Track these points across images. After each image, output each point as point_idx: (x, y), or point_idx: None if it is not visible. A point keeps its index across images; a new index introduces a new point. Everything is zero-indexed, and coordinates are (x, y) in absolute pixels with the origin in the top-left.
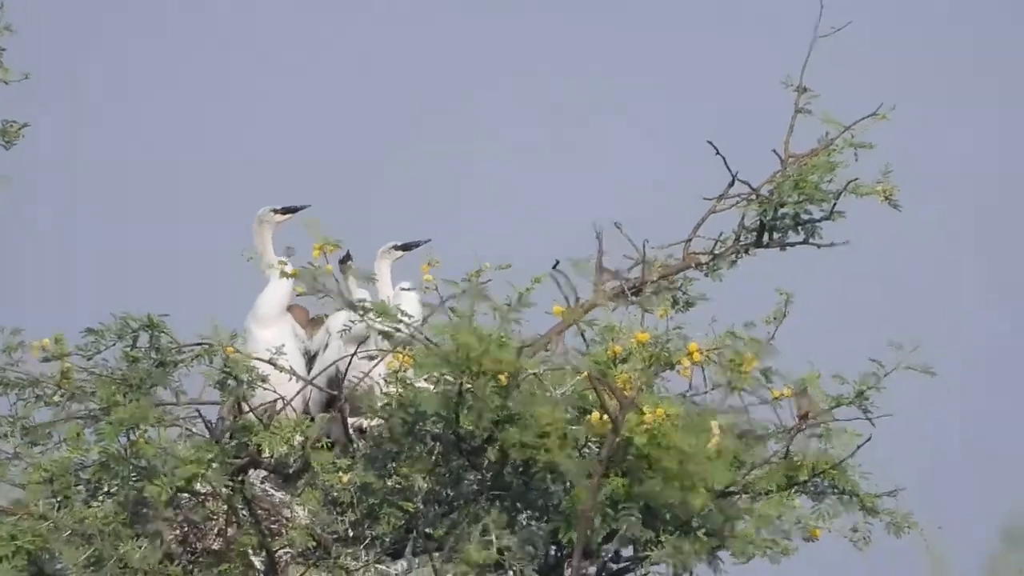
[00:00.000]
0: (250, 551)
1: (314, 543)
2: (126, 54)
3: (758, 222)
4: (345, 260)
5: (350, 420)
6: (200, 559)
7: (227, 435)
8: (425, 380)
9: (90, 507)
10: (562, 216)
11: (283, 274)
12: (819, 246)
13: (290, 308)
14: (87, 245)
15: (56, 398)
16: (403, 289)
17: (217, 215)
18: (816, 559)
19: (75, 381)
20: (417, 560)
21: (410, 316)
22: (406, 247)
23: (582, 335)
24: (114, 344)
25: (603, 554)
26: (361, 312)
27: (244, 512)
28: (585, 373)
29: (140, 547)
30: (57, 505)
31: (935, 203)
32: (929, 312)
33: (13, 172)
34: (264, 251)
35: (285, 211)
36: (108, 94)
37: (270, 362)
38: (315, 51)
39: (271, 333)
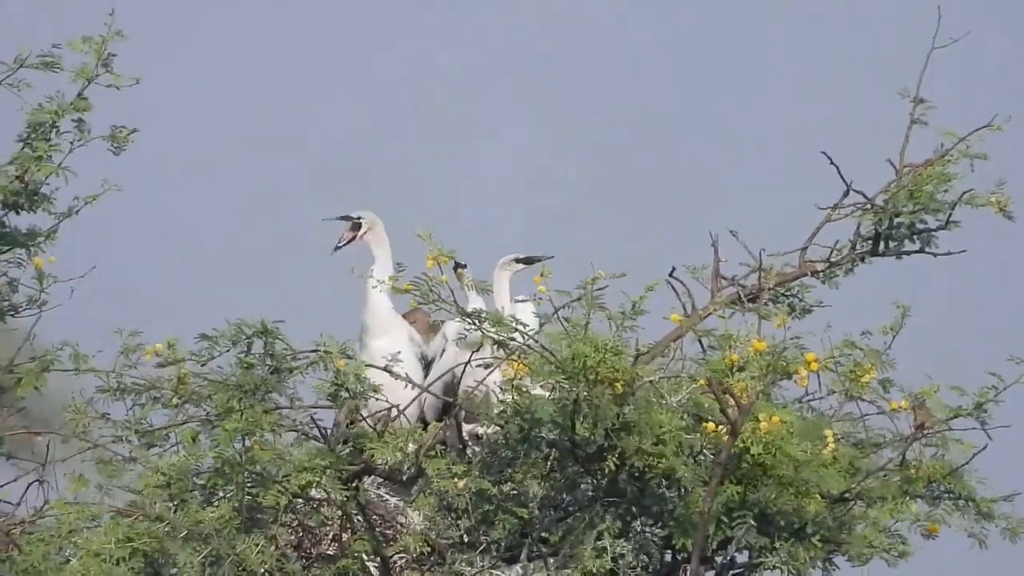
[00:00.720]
0: (364, 556)
1: (429, 549)
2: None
3: (874, 231)
4: (458, 267)
5: (466, 426)
6: (315, 564)
7: (343, 442)
8: (541, 387)
9: (205, 510)
10: (679, 223)
11: (395, 290)
12: (935, 255)
13: (412, 313)
14: (191, 250)
15: (174, 401)
16: (518, 301)
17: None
18: (930, 565)
19: (191, 385)
20: (532, 565)
21: (525, 325)
22: (528, 260)
23: (699, 342)
24: (228, 350)
25: (718, 561)
26: (476, 321)
27: (359, 518)
28: (702, 381)
29: (257, 546)
30: (173, 508)
31: None
32: None
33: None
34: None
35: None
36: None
37: (386, 369)
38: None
39: (384, 342)
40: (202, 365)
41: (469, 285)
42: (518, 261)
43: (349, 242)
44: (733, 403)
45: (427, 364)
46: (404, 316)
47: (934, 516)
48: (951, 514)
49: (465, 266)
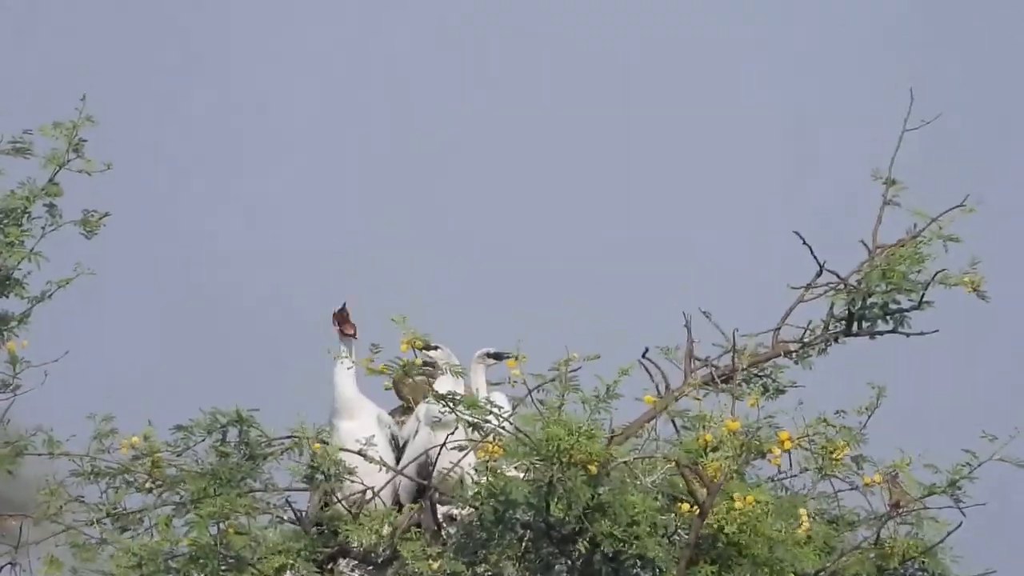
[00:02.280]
0: None
1: None
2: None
3: (847, 311)
4: (429, 349)
5: (440, 508)
6: None
7: (316, 524)
8: (515, 468)
9: None
10: (649, 306)
11: (370, 371)
12: (908, 335)
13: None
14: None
15: (148, 486)
16: (491, 384)
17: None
18: None
19: (165, 470)
20: None
21: (500, 408)
22: (497, 356)
23: (673, 423)
24: (203, 439)
25: None
26: (450, 404)
27: None
28: (674, 462)
29: None
30: None
31: None
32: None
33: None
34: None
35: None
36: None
37: (360, 453)
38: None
39: (356, 424)
40: (178, 455)
41: (443, 368)
42: (489, 356)
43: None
44: (702, 484)
45: (400, 446)
46: (401, 380)
47: None
48: None
49: (437, 348)
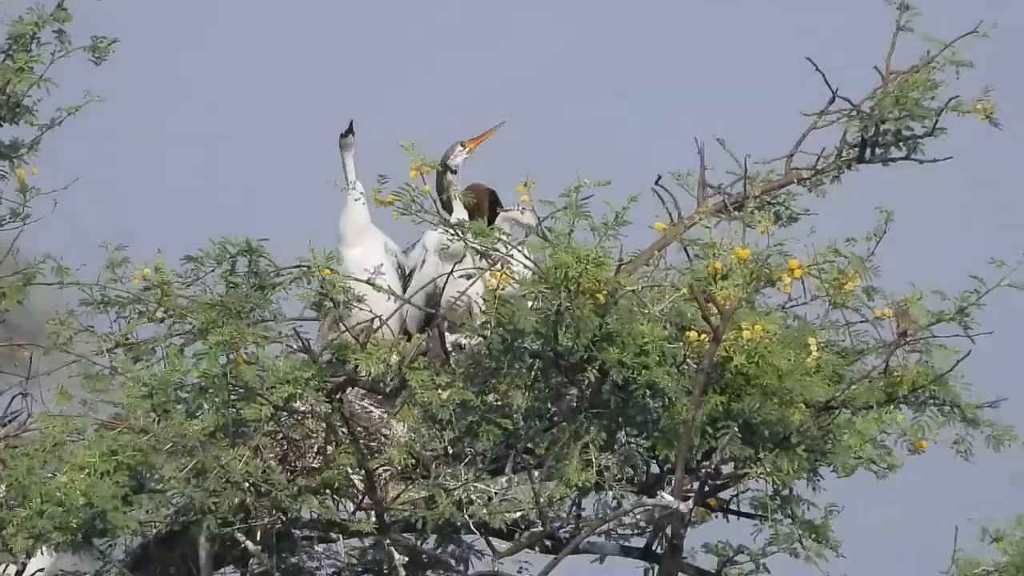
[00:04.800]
0: (349, 469)
1: (413, 461)
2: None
3: (860, 138)
4: (447, 171)
5: (448, 337)
6: (300, 476)
7: (325, 354)
8: (524, 296)
9: (190, 422)
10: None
11: (378, 201)
12: (921, 162)
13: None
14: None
15: (159, 314)
16: (502, 211)
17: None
18: (915, 476)
19: (175, 298)
20: (517, 478)
21: (509, 235)
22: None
23: (684, 251)
24: (213, 270)
25: (702, 471)
26: (459, 232)
27: (343, 430)
28: (684, 289)
29: (242, 457)
30: (157, 419)
31: None
32: None
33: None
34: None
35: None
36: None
37: (368, 282)
38: None
39: (360, 251)
40: (188, 287)
41: (455, 194)
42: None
43: None
44: (716, 311)
45: (406, 275)
46: (467, 188)
47: (919, 424)
48: (937, 423)
49: (455, 171)
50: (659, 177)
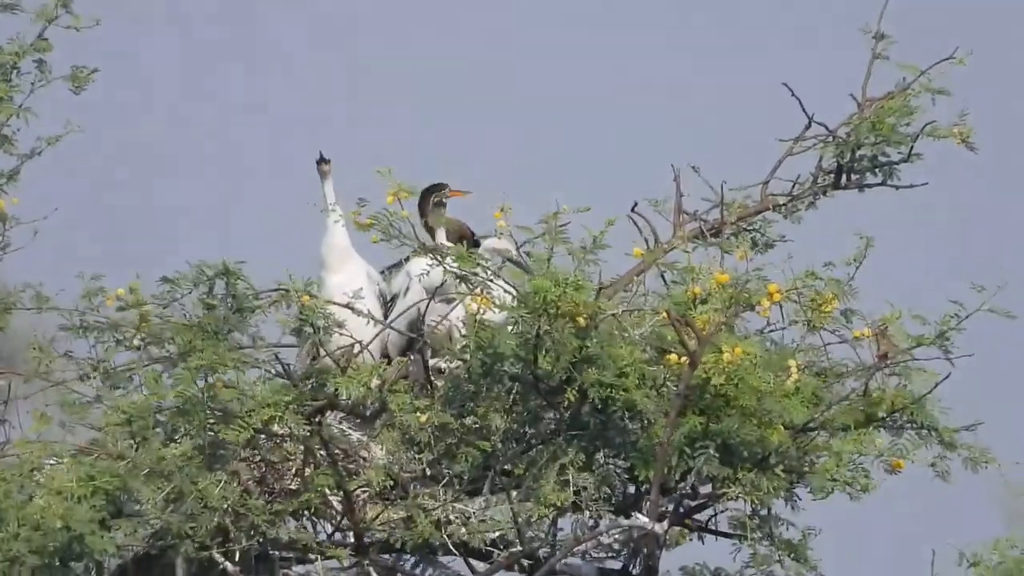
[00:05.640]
0: (327, 491)
1: (391, 482)
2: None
3: (836, 164)
4: (438, 204)
5: (429, 361)
6: (278, 499)
7: (305, 378)
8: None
9: (168, 447)
10: (638, 158)
11: (357, 225)
12: (897, 187)
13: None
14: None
15: (136, 342)
16: (481, 238)
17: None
18: (892, 497)
19: (153, 325)
20: (495, 498)
21: (488, 260)
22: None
23: (662, 276)
24: (190, 292)
25: (680, 491)
26: (439, 257)
27: (321, 453)
28: (663, 313)
29: (219, 482)
30: (135, 446)
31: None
32: (1010, 254)
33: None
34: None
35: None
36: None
37: (347, 306)
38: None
39: (342, 277)
40: (164, 308)
41: (439, 222)
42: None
43: None
44: (693, 335)
45: (388, 301)
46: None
47: (897, 448)
48: (914, 445)
49: (444, 204)
50: (635, 203)
